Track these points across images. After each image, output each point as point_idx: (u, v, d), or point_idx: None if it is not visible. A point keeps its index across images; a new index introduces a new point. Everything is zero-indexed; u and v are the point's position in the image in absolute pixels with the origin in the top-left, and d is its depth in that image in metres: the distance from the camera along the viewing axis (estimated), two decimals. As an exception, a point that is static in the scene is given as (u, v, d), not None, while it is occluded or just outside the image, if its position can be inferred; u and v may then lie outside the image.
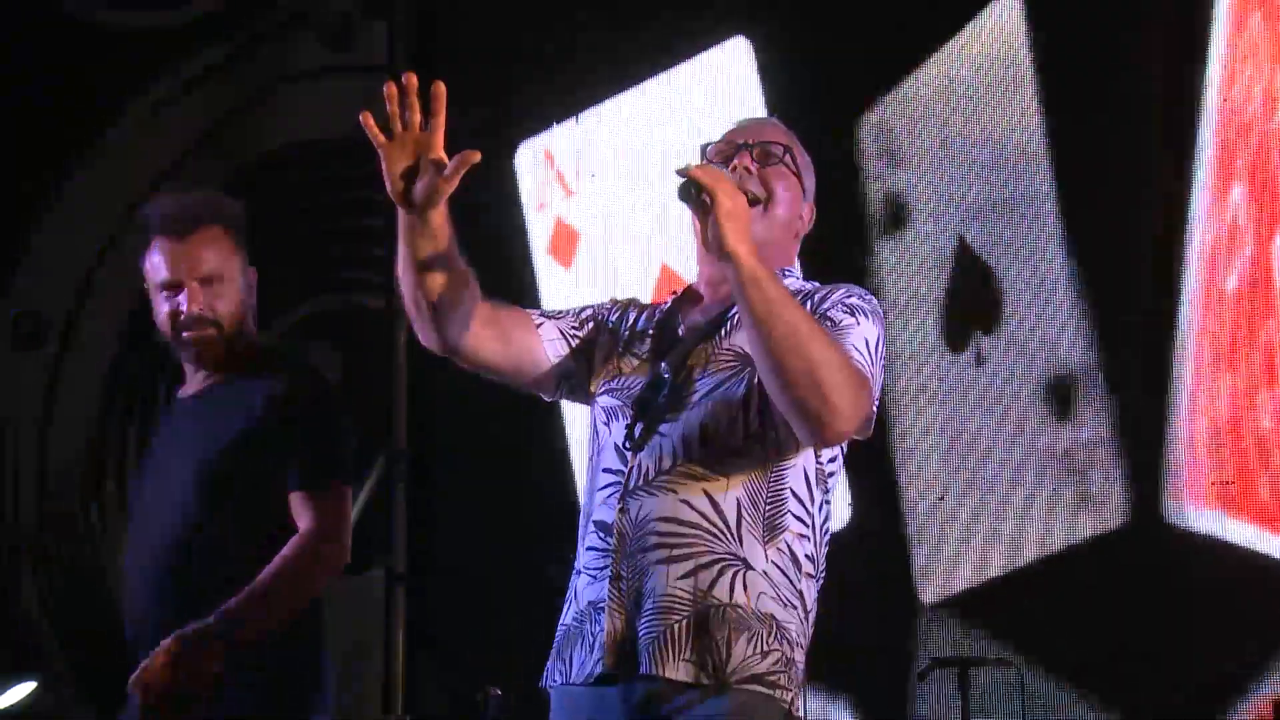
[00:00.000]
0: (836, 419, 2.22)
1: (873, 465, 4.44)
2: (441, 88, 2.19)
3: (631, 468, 2.40)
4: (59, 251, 5.80)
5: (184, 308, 3.05)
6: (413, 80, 2.18)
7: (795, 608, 2.41)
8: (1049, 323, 4.35)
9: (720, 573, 2.36)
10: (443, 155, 2.21)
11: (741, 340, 2.38)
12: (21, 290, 5.85)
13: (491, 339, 2.50)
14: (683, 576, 2.35)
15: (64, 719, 4.08)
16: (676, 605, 2.35)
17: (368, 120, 2.19)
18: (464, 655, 5.20)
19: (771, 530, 2.38)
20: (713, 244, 2.23)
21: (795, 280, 2.49)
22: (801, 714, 2.47)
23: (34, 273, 5.84)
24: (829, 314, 2.40)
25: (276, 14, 5.72)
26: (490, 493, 5.03)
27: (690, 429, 2.39)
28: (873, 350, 2.39)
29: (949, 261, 4.53)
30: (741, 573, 2.36)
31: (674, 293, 2.61)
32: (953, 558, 4.42)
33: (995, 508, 4.37)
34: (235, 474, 3.04)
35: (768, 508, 2.40)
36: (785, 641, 2.37)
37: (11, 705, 5.01)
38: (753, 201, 2.38)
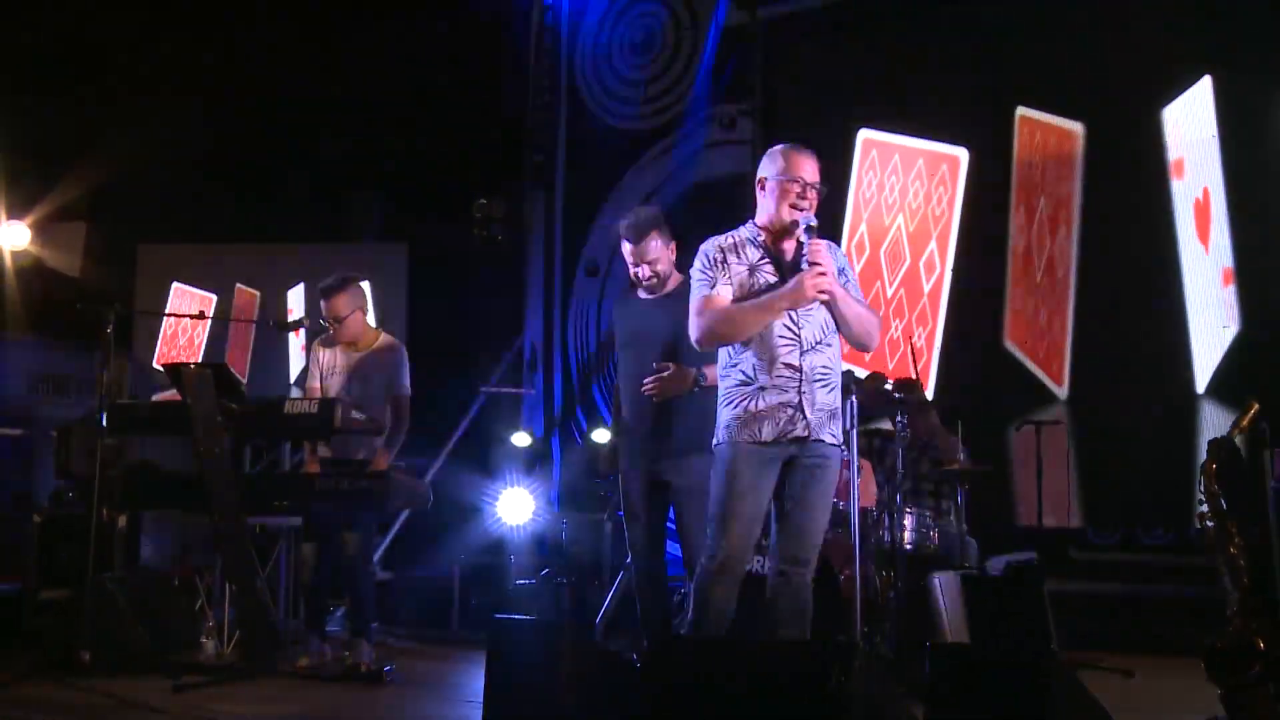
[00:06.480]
0: (873, 348, 3.70)
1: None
2: None
3: (802, 337, 3.55)
4: (603, 232, 8.45)
5: (640, 277, 4.20)
6: None
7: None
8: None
9: (834, 387, 3.64)
10: None
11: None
12: (591, 248, 8.69)
13: None
14: (828, 393, 3.61)
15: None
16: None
17: None
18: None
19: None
20: (809, 296, 3.51)
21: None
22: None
23: (595, 242, 8.65)
24: (847, 271, 3.66)
25: (697, 120, 8.14)
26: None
27: (820, 321, 3.62)
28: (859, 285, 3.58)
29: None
30: (838, 386, 3.62)
31: (749, 239, 3.64)
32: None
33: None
34: (682, 350, 4.08)
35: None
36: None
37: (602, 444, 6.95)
38: (811, 229, 3.52)
